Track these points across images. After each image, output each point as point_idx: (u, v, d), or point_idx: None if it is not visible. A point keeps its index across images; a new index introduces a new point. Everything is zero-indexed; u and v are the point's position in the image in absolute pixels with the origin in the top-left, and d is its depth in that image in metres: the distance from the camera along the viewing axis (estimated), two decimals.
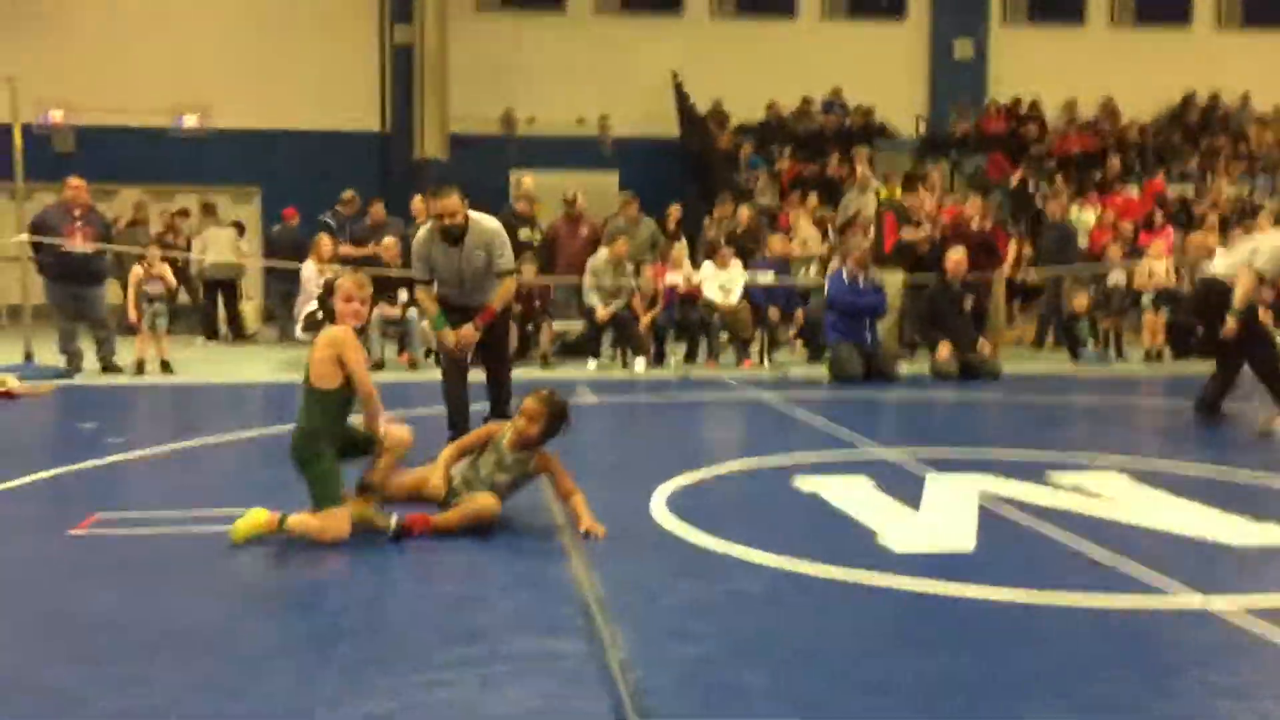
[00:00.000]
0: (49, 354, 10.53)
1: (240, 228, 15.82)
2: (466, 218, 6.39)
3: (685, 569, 3.98)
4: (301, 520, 4.26)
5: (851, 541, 4.37)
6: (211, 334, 14.78)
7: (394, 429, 4.58)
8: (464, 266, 6.43)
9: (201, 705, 2.77)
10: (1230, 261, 7.74)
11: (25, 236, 10.43)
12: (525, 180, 13.69)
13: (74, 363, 10.37)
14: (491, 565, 4.06)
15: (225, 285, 15.06)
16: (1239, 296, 7.32)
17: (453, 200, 6.32)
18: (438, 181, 8.95)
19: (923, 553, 4.20)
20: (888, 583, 3.77)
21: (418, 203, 12.81)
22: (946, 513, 4.86)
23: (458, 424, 6.50)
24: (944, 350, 10.49)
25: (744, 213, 14.06)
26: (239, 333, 15.02)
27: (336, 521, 4.24)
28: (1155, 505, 5.03)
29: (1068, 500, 5.09)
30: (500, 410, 6.66)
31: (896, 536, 4.40)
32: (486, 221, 6.50)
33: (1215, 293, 7.60)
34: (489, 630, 3.31)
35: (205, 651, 3.15)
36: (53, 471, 5.73)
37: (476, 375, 6.81)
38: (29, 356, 10.41)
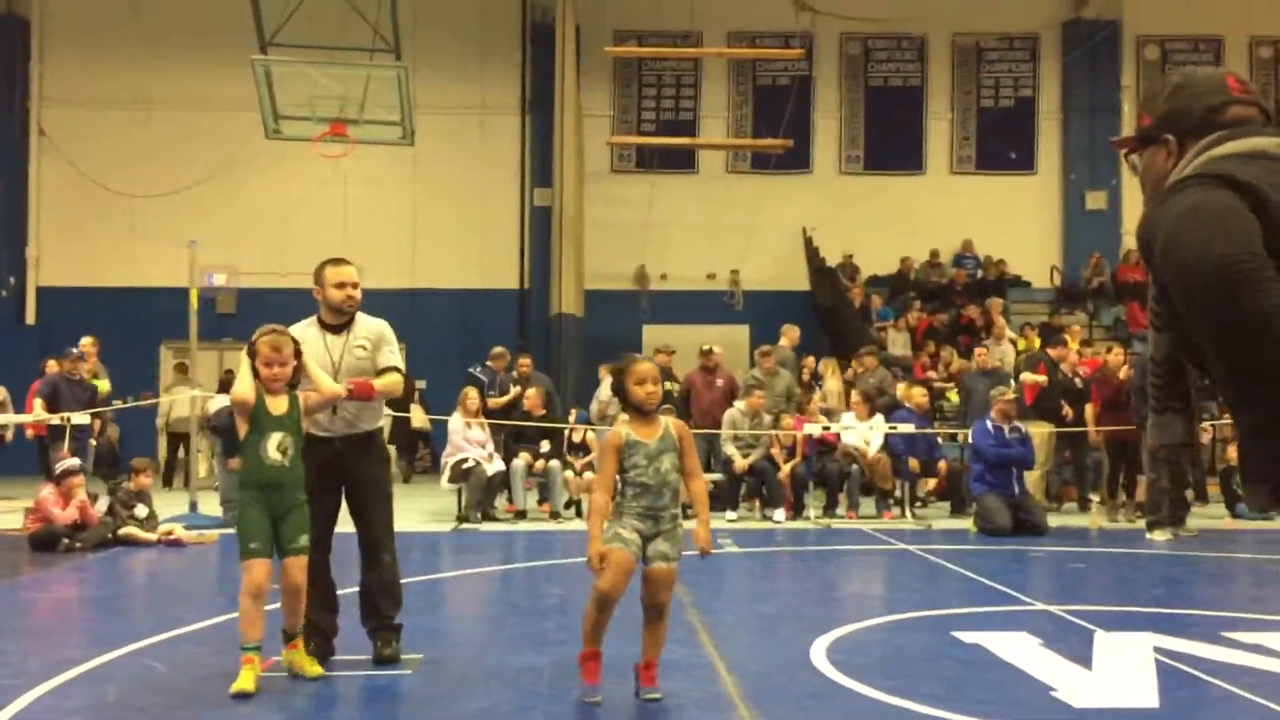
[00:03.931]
0: (210, 505, 11.00)
1: None
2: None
3: None
4: None
5: (1027, 695, 4.25)
6: None
7: None
8: (344, 361, 4.95)
9: None
10: None
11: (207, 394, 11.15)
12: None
13: (230, 512, 10.80)
14: (657, 715, 4.05)
15: None
16: None
17: (353, 270, 5.07)
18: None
19: (1105, 708, 4.06)
20: None
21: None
22: (1123, 669, 4.69)
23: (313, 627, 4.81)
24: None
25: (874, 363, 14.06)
26: None
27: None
28: None
29: (1252, 660, 4.86)
30: (376, 612, 4.93)
31: (1074, 691, 4.27)
32: (373, 319, 5.16)
33: None
34: None
35: None
36: (227, 616, 5.94)
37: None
38: (193, 507, 10.89)
